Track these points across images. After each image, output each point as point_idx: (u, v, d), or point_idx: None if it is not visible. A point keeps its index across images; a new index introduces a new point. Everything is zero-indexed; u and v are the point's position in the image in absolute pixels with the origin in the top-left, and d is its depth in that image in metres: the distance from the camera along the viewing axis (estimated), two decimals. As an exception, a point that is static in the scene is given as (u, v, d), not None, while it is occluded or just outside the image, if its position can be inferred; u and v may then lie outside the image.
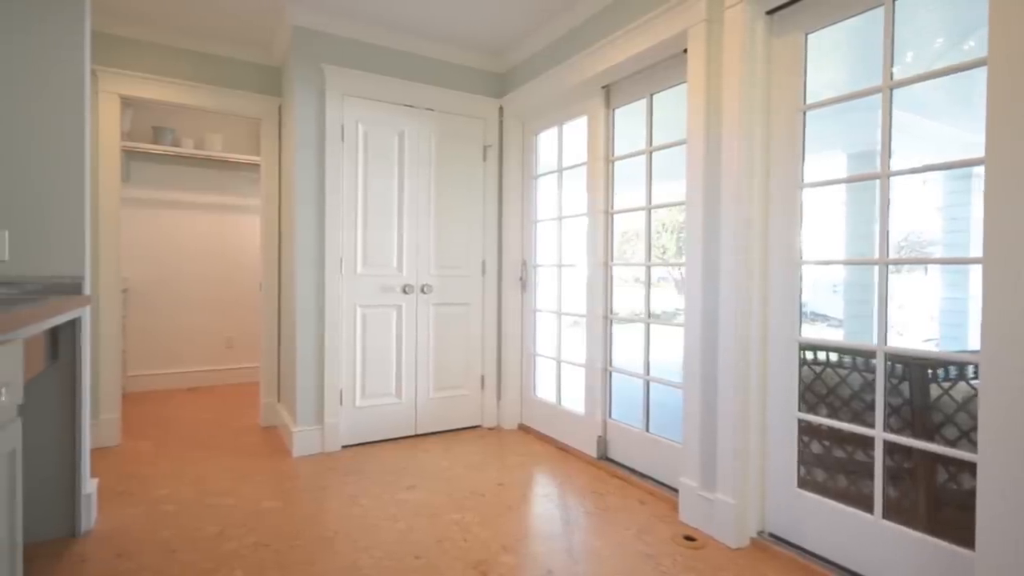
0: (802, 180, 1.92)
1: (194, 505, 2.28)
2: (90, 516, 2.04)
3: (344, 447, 3.02)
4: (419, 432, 3.26)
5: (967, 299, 4.38)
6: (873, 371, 1.93)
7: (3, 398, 0.97)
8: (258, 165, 4.65)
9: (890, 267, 1.79)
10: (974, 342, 4.48)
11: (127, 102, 3.15)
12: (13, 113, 1.90)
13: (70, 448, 1.97)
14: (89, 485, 2.05)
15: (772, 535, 2.00)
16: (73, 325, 1.98)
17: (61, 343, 1.94)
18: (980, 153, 1.48)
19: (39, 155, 1.93)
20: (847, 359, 2.01)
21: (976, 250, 4.71)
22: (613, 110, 2.80)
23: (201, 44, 3.21)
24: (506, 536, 2.06)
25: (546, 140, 3.38)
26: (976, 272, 4.37)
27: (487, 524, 2.15)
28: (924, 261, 3.94)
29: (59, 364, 1.95)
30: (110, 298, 3.00)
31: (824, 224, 2.08)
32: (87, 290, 2.02)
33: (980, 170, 1.40)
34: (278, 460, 2.83)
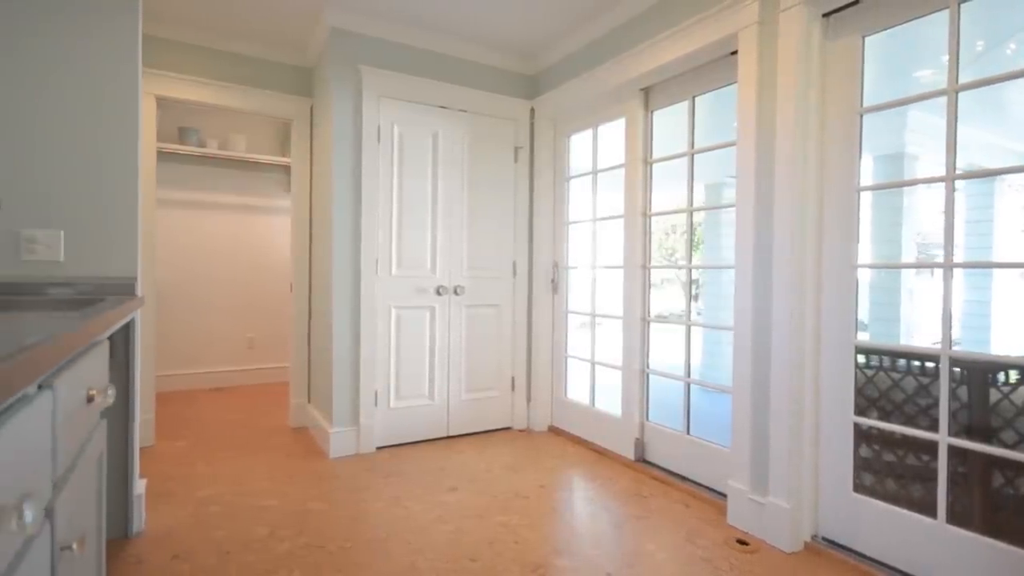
0: (859, 183, 1.91)
1: (238, 506, 2.27)
2: (140, 517, 2.03)
3: (379, 448, 3.01)
4: (451, 434, 3.25)
5: (989, 302, 4.37)
6: (928, 375, 1.92)
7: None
8: (282, 166, 4.65)
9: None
10: (997, 344, 4.46)
11: (158, 102, 3.14)
12: (69, 115, 1.89)
13: (123, 449, 1.97)
14: (139, 486, 2.04)
15: (825, 539, 1.99)
16: (126, 327, 1.97)
17: (115, 344, 1.94)
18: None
19: (93, 157, 1.93)
20: (900, 362, 2.00)
21: (999, 253, 4.64)
22: (652, 112, 2.79)
23: (235, 45, 3.20)
24: (556, 539, 2.05)
25: (578, 142, 3.37)
26: (1000, 275, 4.33)
27: (535, 527, 2.14)
28: (994, 265, 3.89)
29: (113, 364, 1.94)
30: (146, 299, 2.99)
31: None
32: (139, 291, 2.02)
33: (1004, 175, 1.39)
34: (315, 461, 2.82)
